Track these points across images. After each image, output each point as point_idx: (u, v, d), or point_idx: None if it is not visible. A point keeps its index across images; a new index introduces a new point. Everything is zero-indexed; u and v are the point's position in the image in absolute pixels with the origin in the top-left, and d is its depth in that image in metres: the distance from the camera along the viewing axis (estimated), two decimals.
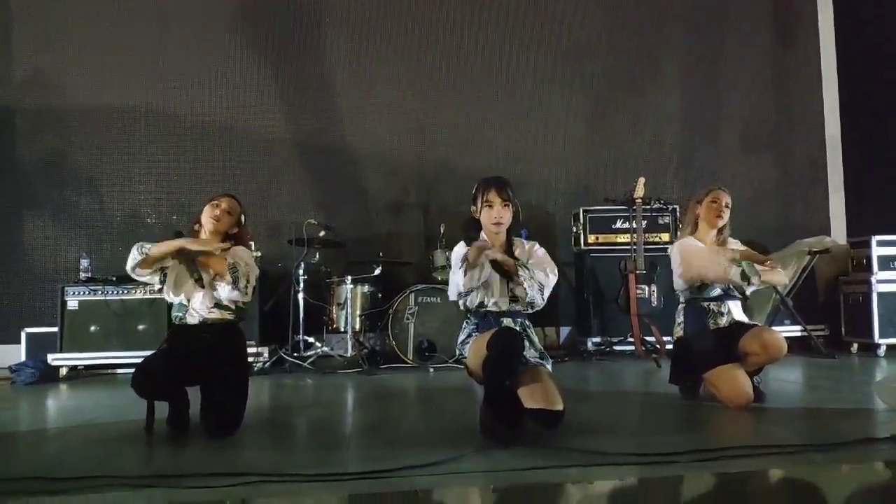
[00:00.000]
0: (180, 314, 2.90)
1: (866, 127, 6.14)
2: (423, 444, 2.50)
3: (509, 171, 5.37)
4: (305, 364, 4.68)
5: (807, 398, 3.43)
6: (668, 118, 6.14)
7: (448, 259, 4.90)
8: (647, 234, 5.02)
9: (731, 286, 3.18)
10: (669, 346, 4.71)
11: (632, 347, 4.87)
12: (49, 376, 4.62)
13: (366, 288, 5.02)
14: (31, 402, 3.92)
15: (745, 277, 3.05)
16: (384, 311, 4.84)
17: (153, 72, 5.72)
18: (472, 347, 2.69)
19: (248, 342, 4.50)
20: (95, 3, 5.74)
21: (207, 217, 2.93)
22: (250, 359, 4.66)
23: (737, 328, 3.15)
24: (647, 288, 4.81)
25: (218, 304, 2.91)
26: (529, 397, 2.51)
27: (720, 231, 3.30)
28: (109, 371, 4.88)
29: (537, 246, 2.84)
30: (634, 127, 6.12)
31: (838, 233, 6.14)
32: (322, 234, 4.99)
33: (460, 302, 2.82)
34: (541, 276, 2.71)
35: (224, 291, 2.87)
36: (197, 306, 2.89)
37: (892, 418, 2.67)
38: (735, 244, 3.32)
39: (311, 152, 5.87)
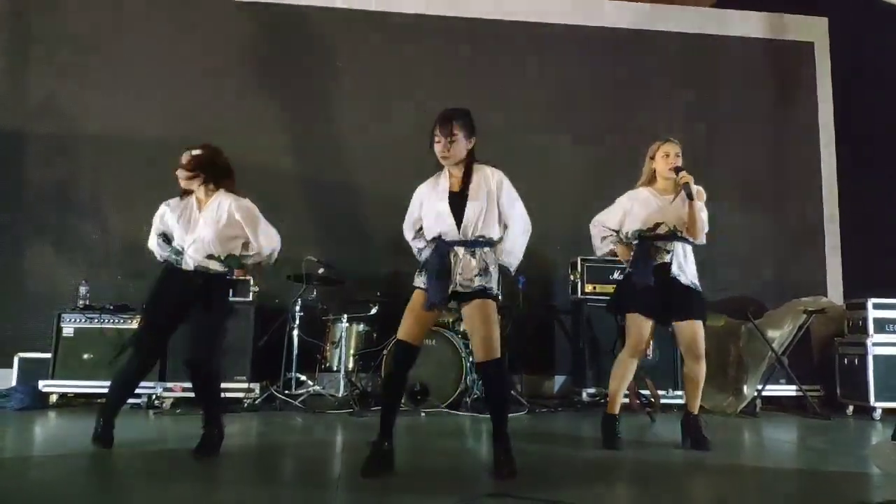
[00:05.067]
0: (177, 258, 3.18)
1: (863, 188, 6.22)
2: (411, 489, 2.48)
3: None
4: (296, 402, 4.64)
5: (801, 460, 3.40)
6: None
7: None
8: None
9: (678, 228, 3.44)
10: (665, 401, 4.72)
11: (626, 400, 4.83)
12: (39, 402, 4.58)
13: (361, 327, 5.01)
14: (18, 428, 3.87)
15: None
16: (378, 352, 4.82)
17: (164, 105, 5.82)
18: (408, 305, 2.85)
19: (239, 377, 4.61)
20: (112, 35, 5.88)
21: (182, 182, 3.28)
22: (241, 395, 4.65)
23: (675, 286, 3.38)
24: None
25: (210, 256, 3.16)
26: (473, 347, 2.81)
27: (675, 174, 3.52)
28: (100, 400, 4.83)
29: (505, 183, 2.90)
30: (632, 180, 6.18)
31: (835, 293, 6.16)
32: (321, 271, 5.01)
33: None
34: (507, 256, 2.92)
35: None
36: (191, 253, 3.15)
37: (886, 483, 2.64)
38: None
39: (314, 189, 5.94)
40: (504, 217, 2.88)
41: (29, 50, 5.82)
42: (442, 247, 2.81)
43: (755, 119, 6.51)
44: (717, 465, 3.04)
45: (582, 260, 5.31)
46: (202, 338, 3.15)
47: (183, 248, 3.18)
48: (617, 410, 3.49)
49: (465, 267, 2.77)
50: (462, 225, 2.79)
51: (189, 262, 3.17)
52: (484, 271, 2.79)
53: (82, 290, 4.95)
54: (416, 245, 3.06)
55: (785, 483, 2.81)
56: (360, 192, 5.93)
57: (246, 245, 3.30)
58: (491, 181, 2.86)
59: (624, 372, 3.48)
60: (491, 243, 2.85)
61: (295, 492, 2.58)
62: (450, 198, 2.84)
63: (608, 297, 5.10)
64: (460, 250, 2.80)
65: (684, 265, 3.44)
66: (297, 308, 4.90)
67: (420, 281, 2.84)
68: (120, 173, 5.70)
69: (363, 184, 5.94)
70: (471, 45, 6.25)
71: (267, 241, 3.30)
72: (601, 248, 3.70)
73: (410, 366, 2.86)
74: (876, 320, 4.90)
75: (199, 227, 3.18)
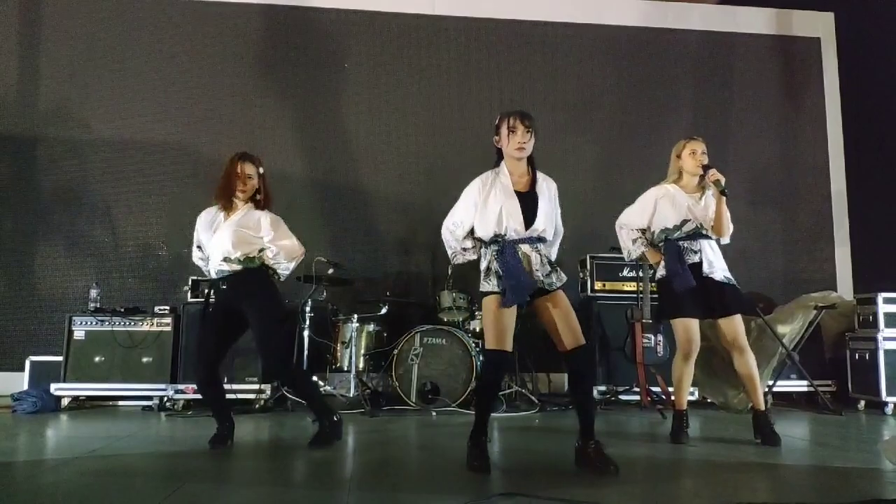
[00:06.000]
0: (208, 269, 3.31)
1: (872, 182, 6.19)
2: (424, 489, 2.48)
3: None
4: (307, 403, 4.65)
5: (814, 455, 3.38)
6: None
7: (454, 300, 4.94)
8: (653, 284, 5.02)
9: (703, 226, 3.48)
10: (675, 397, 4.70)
11: (637, 397, 4.83)
12: (51, 406, 4.62)
13: (371, 327, 5.02)
14: (31, 431, 3.90)
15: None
16: (388, 352, 4.83)
17: (173, 108, 5.87)
18: (484, 315, 2.87)
19: (251, 379, 4.62)
20: (121, 39, 5.93)
21: (237, 190, 3.32)
22: (252, 395, 4.65)
23: (709, 284, 3.43)
24: (653, 337, 4.80)
25: (226, 259, 3.25)
26: (559, 336, 2.83)
27: (702, 177, 3.56)
28: (111, 403, 4.87)
29: (555, 190, 3.02)
30: (642, 177, 6.16)
31: (845, 288, 6.13)
32: (330, 271, 5.03)
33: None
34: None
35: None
36: (213, 259, 3.27)
37: None
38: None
39: (323, 191, 5.96)
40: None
41: (39, 55, 5.86)
42: (510, 246, 2.84)
43: (763, 115, 6.50)
44: (729, 461, 3.04)
45: (591, 257, 5.31)
46: (264, 344, 3.25)
47: (209, 256, 3.30)
48: (685, 407, 3.56)
49: (537, 264, 2.86)
50: (533, 224, 2.86)
51: (212, 270, 3.29)
52: (551, 265, 2.90)
53: (93, 292, 4.99)
54: (464, 244, 3.01)
55: (797, 479, 2.80)
56: (370, 193, 5.95)
57: (262, 252, 3.37)
58: (552, 186, 3.01)
59: (681, 376, 3.54)
60: (545, 241, 2.95)
61: (307, 492, 2.59)
62: (518, 196, 2.89)
63: (619, 295, 5.19)
64: (525, 247, 2.86)
65: (714, 262, 3.48)
66: (308, 308, 4.92)
67: (492, 285, 2.85)
68: (130, 177, 5.74)
69: (372, 185, 5.96)
70: (480, 46, 6.26)
71: (289, 248, 3.40)
72: (633, 250, 3.70)
73: (506, 371, 2.99)
74: (886, 315, 4.88)
75: (221, 231, 3.28)
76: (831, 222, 6.40)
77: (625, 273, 5.27)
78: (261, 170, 3.40)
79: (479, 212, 2.90)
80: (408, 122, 6.06)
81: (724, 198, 3.43)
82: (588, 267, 5.31)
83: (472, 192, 2.96)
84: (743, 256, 5.99)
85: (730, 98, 6.49)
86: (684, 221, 3.51)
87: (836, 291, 5.82)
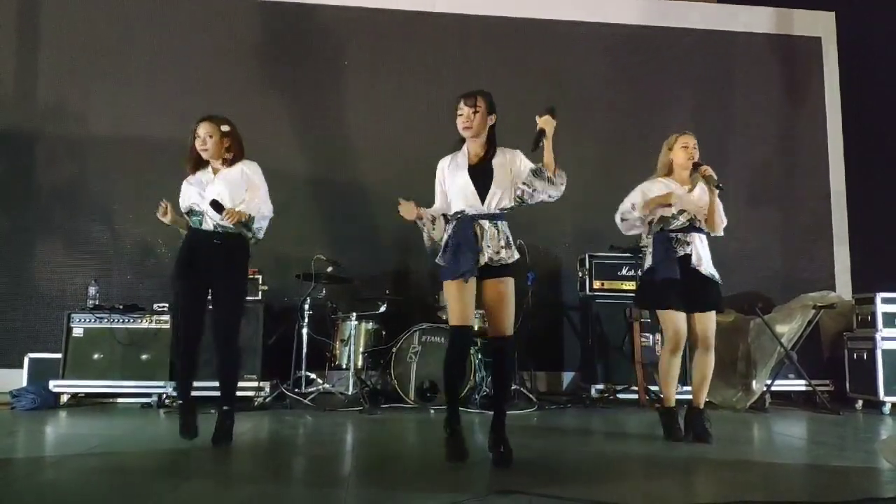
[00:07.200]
0: (198, 219, 3.30)
1: (871, 183, 6.19)
2: (422, 487, 2.49)
3: (518, 212, 5.44)
4: (306, 401, 4.66)
5: (811, 454, 3.39)
6: None
7: None
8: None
9: (696, 218, 3.48)
10: (674, 397, 4.71)
11: (635, 396, 4.84)
12: (49, 403, 4.61)
13: (370, 325, 5.02)
14: (29, 428, 3.90)
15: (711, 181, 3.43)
16: (387, 350, 4.84)
17: (172, 105, 5.84)
18: (447, 294, 2.92)
19: (249, 376, 4.63)
20: (120, 36, 5.91)
21: (198, 150, 3.34)
22: (251, 393, 4.66)
23: (695, 277, 3.41)
24: (651, 336, 4.81)
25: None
26: (491, 320, 2.90)
27: (693, 169, 3.57)
28: (110, 400, 4.87)
29: (521, 156, 3.02)
30: (642, 176, 6.16)
31: (843, 288, 6.13)
32: (329, 269, 5.03)
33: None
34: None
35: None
36: (212, 214, 3.25)
37: None
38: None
39: (322, 188, 5.96)
40: (529, 167, 2.97)
41: (38, 52, 5.85)
42: (466, 220, 2.88)
43: (763, 114, 6.49)
44: (727, 459, 3.05)
45: (590, 256, 5.32)
46: (230, 317, 3.27)
47: (203, 211, 3.30)
48: (673, 404, 3.55)
49: (492, 239, 2.86)
50: (486, 198, 2.89)
51: (208, 221, 3.29)
52: (507, 244, 2.90)
53: (92, 290, 4.97)
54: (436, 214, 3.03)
55: (794, 478, 2.81)
56: (369, 190, 5.94)
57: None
58: (512, 157, 3.00)
59: (667, 370, 3.52)
60: (507, 216, 2.96)
61: (306, 489, 2.60)
62: (470, 171, 2.93)
63: (618, 294, 5.19)
64: (485, 223, 2.88)
65: (703, 256, 3.47)
66: (307, 306, 4.92)
67: (443, 259, 2.92)
68: (129, 173, 5.73)
69: (372, 182, 5.94)
70: (480, 44, 6.24)
71: (264, 205, 3.39)
72: (637, 205, 3.60)
73: (469, 348, 3.08)
74: (885, 315, 4.88)
75: (214, 186, 3.31)
76: (830, 222, 6.40)
77: (623, 272, 5.27)
78: (224, 128, 3.37)
79: (447, 190, 3.00)
80: (408, 119, 6.05)
81: (717, 192, 3.43)
82: (587, 266, 5.31)
83: (437, 180, 3.09)
84: (742, 256, 6.00)
85: (730, 97, 6.48)
86: (681, 212, 3.50)
87: (835, 291, 5.82)
